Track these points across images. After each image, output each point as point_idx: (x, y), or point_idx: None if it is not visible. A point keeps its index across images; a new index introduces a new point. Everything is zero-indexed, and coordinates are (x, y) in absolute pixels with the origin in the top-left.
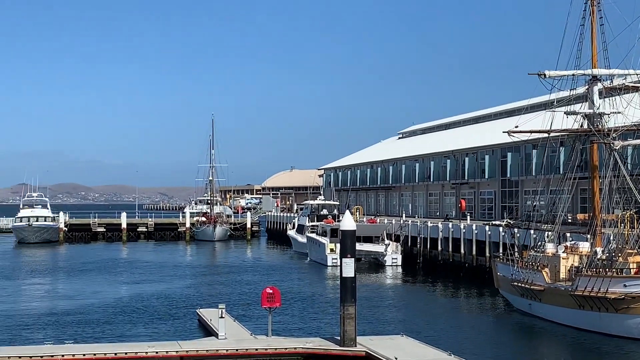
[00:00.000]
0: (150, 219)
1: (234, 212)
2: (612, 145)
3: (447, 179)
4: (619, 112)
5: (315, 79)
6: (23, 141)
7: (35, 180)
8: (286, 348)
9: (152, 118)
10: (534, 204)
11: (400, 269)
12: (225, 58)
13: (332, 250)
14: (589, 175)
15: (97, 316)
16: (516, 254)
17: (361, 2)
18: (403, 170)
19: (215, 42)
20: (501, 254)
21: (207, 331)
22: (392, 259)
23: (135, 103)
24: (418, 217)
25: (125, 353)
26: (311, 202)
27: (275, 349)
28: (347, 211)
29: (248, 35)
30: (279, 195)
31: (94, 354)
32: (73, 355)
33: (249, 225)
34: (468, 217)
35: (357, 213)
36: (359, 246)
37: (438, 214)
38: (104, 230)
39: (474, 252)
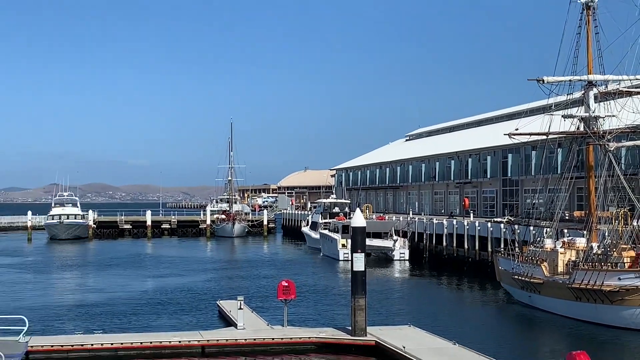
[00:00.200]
0: (173, 217)
1: (252, 210)
2: (607, 146)
3: (452, 179)
4: (613, 116)
5: (328, 85)
6: (55, 143)
7: (66, 181)
8: (301, 338)
9: (175, 121)
10: (533, 202)
11: (407, 263)
12: (242, 64)
13: (343, 245)
14: (585, 175)
15: (124, 308)
16: (516, 249)
17: (370, 11)
18: (410, 170)
19: (233, 49)
20: (502, 249)
21: (227, 322)
22: (400, 253)
23: (159, 107)
24: (424, 215)
25: (150, 342)
26: (324, 200)
27: (291, 338)
28: (358, 209)
29: (266, 43)
30: (293, 194)
31: (121, 343)
32: (102, 344)
33: (265, 223)
34: (471, 215)
35: (367, 211)
36: (369, 242)
37: (443, 211)
38: (130, 227)
39: (476, 248)
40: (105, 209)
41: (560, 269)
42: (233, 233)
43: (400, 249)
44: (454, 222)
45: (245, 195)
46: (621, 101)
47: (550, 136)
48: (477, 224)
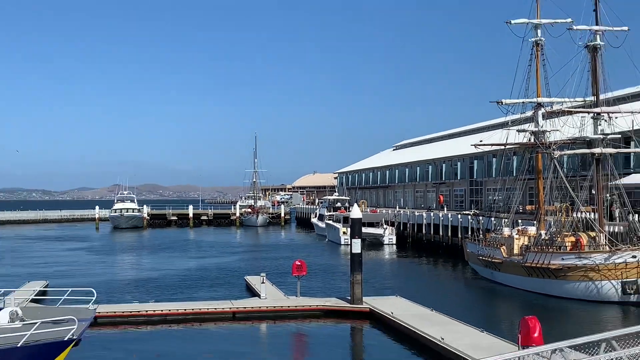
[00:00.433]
0: (210, 210)
1: (272, 205)
2: (552, 154)
3: (429, 180)
4: (557, 130)
5: (331, 104)
6: (117, 152)
7: (125, 182)
8: (310, 305)
9: (211, 133)
10: (494, 198)
11: (394, 247)
12: (264, 89)
13: (344, 233)
14: (535, 177)
15: (171, 282)
16: (481, 235)
17: (368, 48)
18: (397, 173)
19: (257, 77)
20: (470, 236)
21: (252, 293)
22: (389, 239)
23: (199, 121)
24: (408, 208)
25: (192, 309)
26: (329, 197)
27: (303, 306)
28: (355, 204)
29: (281, 73)
30: (304, 192)
31: (169, 310)
32: (154, 311)
33: (282, 215)
34: (445, 208)
35: (363, 205)
36: (364, 230)
37: (422, 206)
38: (176, 218)
39: (449, 234)
40: (156, 205)
41: (516, 251)
42: (257, 223)
43: (389, 236)
44: (432, 214)
45: (267, 193)
46: (563, 118)
47: (508, 146)
48: (449, 216)
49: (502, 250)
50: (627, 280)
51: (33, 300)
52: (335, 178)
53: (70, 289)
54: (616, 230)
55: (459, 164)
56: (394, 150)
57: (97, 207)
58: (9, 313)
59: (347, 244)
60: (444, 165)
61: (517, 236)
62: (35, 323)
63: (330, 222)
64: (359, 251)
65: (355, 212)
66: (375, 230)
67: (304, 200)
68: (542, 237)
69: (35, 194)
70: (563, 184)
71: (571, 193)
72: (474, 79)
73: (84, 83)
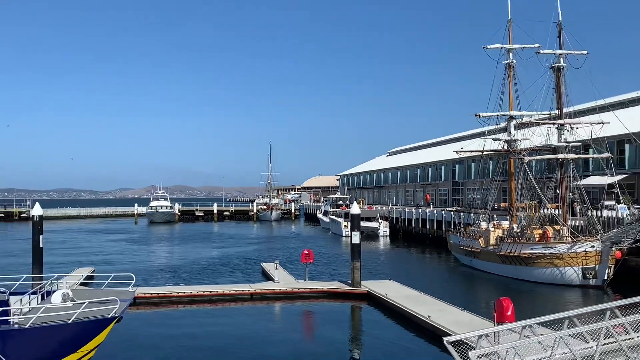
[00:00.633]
0: (231, 207)
1: (284, 203)
2: (522, 159)
3: (418, 181)
4: (527, 139)
5: (334, 116)
6: (153, 157)
7: (160, 183)
8: (317, 288)
9: (233, 140)
10: (473, 197)
11: (388, 239)
12: (278, 103)
13: (345, 226)
14: (508, 179)
15: (198, 267)
16: (462, 228)
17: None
18: (390, 176)
19: (271, 90)
20: (452, 229)
21: (267, 277)
22: (383, 231)
23: (222, 130)
24: (399, 205)
25: (216, 291)
26: (332, 196)
27: (310, 288)
28: (355, 202)
29: (291, 86)
30: (311, 192)
31: (197, 292)
32: (184, 292)
33: (293, 211)
34: (431, 205)
35: (361, 203)
36: (362, 224)
37: (412, 203)
38: (203, 214)
39: (435, 228)
40: (186, 203)
41: (491, 242)
42: (271, 218)
43: (384, 229)
44: (420, 211)
45: (279, 192)
46: (532, 129)
47: (484, 153)
48: (435, 212)
49: (480, 241)
50: (587, 266)
51: (82, 284)
52: (338, 180)
53: (113, 274)
54: (577, 224)
55: (443, 167)
56: (387, 156)
57: (135, 205)
58: (61, 294)
59: (348, 236)
60: (430, 168)
61: (492, 229)
62: (84, 303)
63: (334, 217)
64: (358, 242)
65: (355, 209)
66: (372, 224)
67: (311, 198)
68: (514, 230)
69: (84, 193)
70: (532, 184)
71: (539, 192)
72: (456, 94)
73: (125, 100)
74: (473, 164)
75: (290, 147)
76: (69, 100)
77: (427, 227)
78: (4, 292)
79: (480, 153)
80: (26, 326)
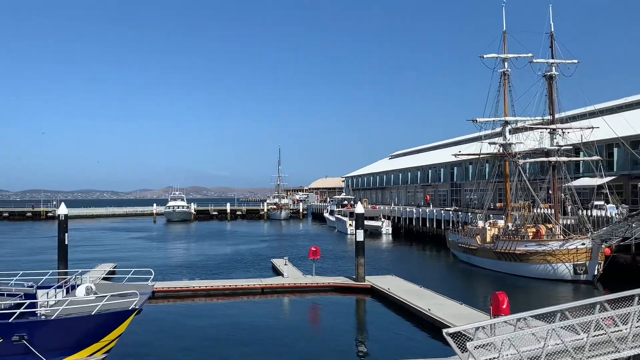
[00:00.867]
0: (244, 207)
1: (293, 203)
2: (517, 162)
3: (418, 183)
4: (521, 143)
5: (340, 121)
6: (171, 160)
7: (177, 184)
8: (323, 282)
9: (245, 145)
10: (470, 197)
11: (390, 237)
12: (288, 110)
13: (350, 225)
14: (503, 180)
15: (212, 263)
16: (460, 227)
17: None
18: (392, 177)
19: (282, 99)
20: (451, 227)
21: (277, 272)
22: (386, 230)
23: (238, 135)
24: (401, 205)
25: (230, 285)
26: (337, 196)
27: (317, 283)
28: (359, 202)
29: (310, 90)
30: (318, 192)
31: (211, 286)
32: (199, 287)
33: (301, 211)
34: (431, 205)
35: (365, 203)
36: (366, 222)
37: (413, 203)
38: (217, 213)
39: (434, 226)
40: (201, 202)
41: (488, 239)
42: (281, 217)
43: (386, 227)
44: (420, 210)
45: (288, 193)
46: (526, 133)
47: (481, 156)
48: (434, 212)
49: (477, 239)
50: (578, 263)
51: (104, 279)
52: (343, 181)
53: (133, 269)
54: (568, 222)
55: (442, 170)
56: (389, 158)
57: (154, 205)
58: (85, 288)
59: (353, 234)
60: (430, 171)
61: (489, 228)
62: (106, 296)
63: (339, 216)
64: (362, 239)
65: (359, 209)
66: (375, 223)
67: (318, 199)
68: (509, 228)
69: (106, 194)
70: (526, 185)
71: (532, 193)
72: (454, 101)
73: (144, 107)
74: (470, 166)
75: (299, 150)
76: (93, 108)
77: (427, 225)
78: (32, 286)
79: (477, 156)
80: (52, 317)
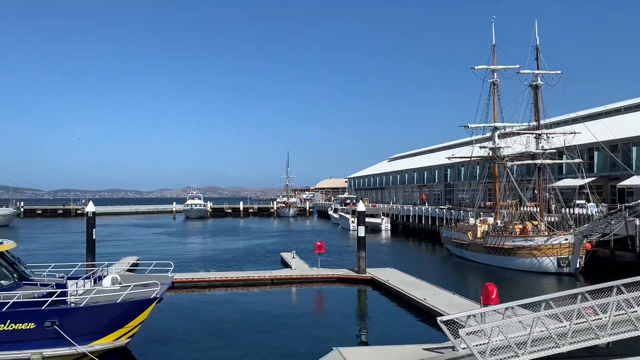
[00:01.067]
0: (255, 205)
1: (300, 202)
2: (505, 164)
3: (415, 183)
4: (509, 147)
5: (344, 126)
6: (189, 162)
7: (194, 184)
8: (328, 274)
9: (257, 148)
10: (462, 196)
11: (389, 233)
12: (296, 117)
13: (352, 222)
14: (492, 181)
15: (227, 256)
16: (453, 224)
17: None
18: (391, 178)
19: (291, 106)
20: (445, 224)
21: (285, 265)
22: (385, 226)
23: (247, 137)
24: (399, 204)
25: (242, 277)
26: (341, 196)
27: (322, 275)
28: (360, 201)
29: (317, 99)
30: (323, 192)
31: (226, 277)
32: (215, 278)
33: (307, 209)
34: (426, 204)
35: (366, 202)
36: (367, 219)
37: (410, 202)
38: (230, 211)
39: (430, 223)
40: (216, 201)
41: (479, 235)
42: (289, 214)
43: (385, 224)
44: (416, 208)
45: (296, 192)
46: (514, 138)
47: (472, 158)
48: (429, 210)
49: (468, 234)
50: (561, 256)
51: (128, 270)
52: (346, 182)
53: (154, 262)
54: (553, 220)
55: (436, 171)
56: (388, 161)
57: (174, 203)
58: (111, 279)
59: (355, 230)
60: (425, 172)
61: (479, 224)
62: (130, 286)
63: (342, 214)
64: (363, 235)
65: (361, 207)
66: (375, 220)
67: (323, 198)
68: (498, 225)
69: (130, 193)
70: (513, 186)
71: (519, 193)
72: (448, 108)
73: (165, 114)
74: (462, 168)
75: (305, 154)
76: (122, 116)
77: (423, 222)
78: (62, 277)
79: (469, 159)
80: (81, 305)
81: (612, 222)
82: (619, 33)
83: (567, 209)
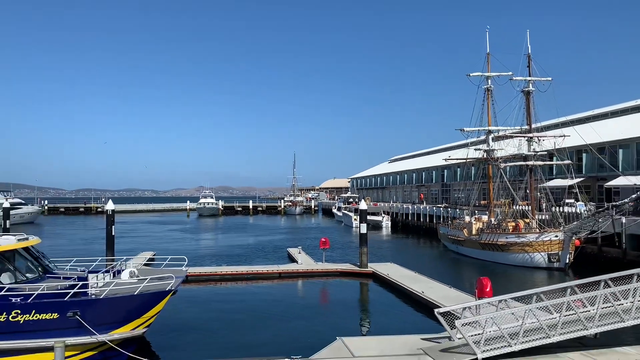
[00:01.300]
0: (264, 203)
1: (306, 200)
2: (499, 166)
3: (413, 183)
4: (502, 149)
5: (348, 129)
6: (202, 164)
7: (207, 184)
8: (332, 268)
9: (265, 148)
10: (458, 196)
11: (390, 230)
12: (302, 121)
13: (355, 219)
14: (487, 181)
15: (237, 252)
16: (449, 221)
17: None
18: (391, 178)
19: (297, 111)
20: (442, 222)
21: (292, 260)
22: (385, 224)
23: (256, 140)
24: (399, 203)
25: (252, 271)
26: (344, 195)
27: (326, 269)
28: (362, 200)
29: (313, 108)
30: (328, 191)
31: (237, 271)
32: (226, 272)
33: (313, 207)
34: (424, 203)
35: (368, 200)
36: (369, 217)
37: (409, 200)
38: (241, 209)
39: (427, 221)
40: (227, 200)
41: (474, 232)
42: (296, 212)
43: (386, 222)
44: (415, 207)
45: (302, 192)
46: (507, 141)
47: (468, 160)
48: (427, 208)
49: (464, 231)
50: (551, 252)
51: (145, 264)
52: (349, 182)
53: (169, 257)
54: (543, 218)
55: (434, 172)
56: (389, 162)
57: (188, 202)
58: (129, 272)
59: (357, 227)
60: (423, 173)
61: (474, 222)
62: (146, 279)
63: (346, 212)
64: (365, 232)
65: (363, 205)
66: (377, 218)
67: (327, 197)
68: (492, 223)
69: (147, 192)
70: (506, 186)
71: (512, 192)
72: (445, 112)
73: (180, 119)
74: (458, 169)
75: (311, 155)
76: (140, 121)
77: (421, 220)
78: (83, 271)
79: (464, 160)
80: (101, 297)
81: (600, 220)
82: (608, 42)
83: (557, 208)
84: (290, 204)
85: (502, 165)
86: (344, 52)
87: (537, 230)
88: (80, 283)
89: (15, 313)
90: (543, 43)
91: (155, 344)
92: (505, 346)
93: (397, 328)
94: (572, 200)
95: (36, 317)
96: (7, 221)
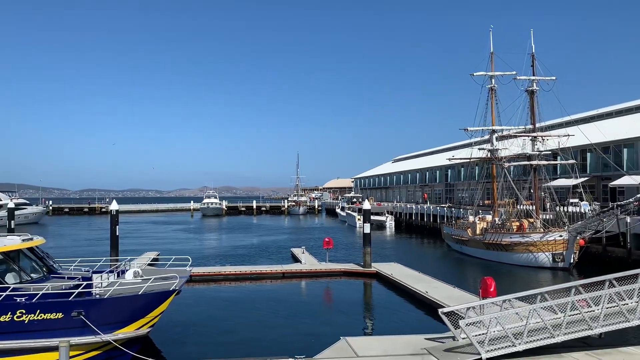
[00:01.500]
0: (267, 203)
1: (309, 200)
2: (502, 165)
3: (417, 183)
4: (506, 148)
5: (352, 130)
6: (206, 165)
7: (211, 184)
8: (335, 268)
9: (268, 149)
10: (462, 195)
11: (393, 229)
12: (305, 121)
13: (358, 219)
14: (491, 181)
15: (240, 252)
16: (453, 221)
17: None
18: (394, 178)
19: (300, 113)
20: (445, 221)
21: (296, 260)
22: (389, 223)
23: (260, 140)
24: (402, 202)
25: (256, 270)
26: (348, 195)
27: (330, 269)
28: (366, 199)
29: (318, 110)
30: (331, 191)
31: (240, 271)
32: (229, 271)
33: (316, 207)
34: (428, 202)
35: (371, 200)
36: (372, 217)
37: (412, 201)
38: (244, 209)
39: (431, 220)
40: (231, 200)
41: (478, 232)
42: (299, 212)
43: (389, 221)
44: (419, 207)
45: (305, 192)
46: (511, 140)
47: (471, 160)
48: (431, 208)
49: (468, 231)
50: (556, 252)
51: (149, 264)
52: (352, 181)
53: (173, 257)
54: (548, 217)
55: (437, 172)
56: (392, 162)
57: (192, 202)
58: (133, 272)
59: (360, 227)
60: (427, 172)
61: (478, 222)
62: (150, 279)
63: (349, 212)
64: (369, 232)
65: (366, 205)
66: (380, 218)
67: (331, 197)
68: (496, 222)
69: (151, 192)
70: (510, 185)
71: (516, 192)
72: (449, 112)
73: (184, 119)
74: (462, 169)
75: (314, 155)
76: (144, 122)
77: (425, 220)
78: (88, 271)
79: (468, 160)
80: (105, 296)
81: (604, 219)
82: (608, 42)
83: (562, 207)
84: (293, 204)
85: (506, 164)
86: (344, 52)
87: (542, 230)
88: (85, 283)
89: (20, 313)
90: (543, 43)
91: (160, 344)
92: (509, 346)
93: (400, 328)
94: (576, 200)
95: (41, 316)
96: (12, 221)
